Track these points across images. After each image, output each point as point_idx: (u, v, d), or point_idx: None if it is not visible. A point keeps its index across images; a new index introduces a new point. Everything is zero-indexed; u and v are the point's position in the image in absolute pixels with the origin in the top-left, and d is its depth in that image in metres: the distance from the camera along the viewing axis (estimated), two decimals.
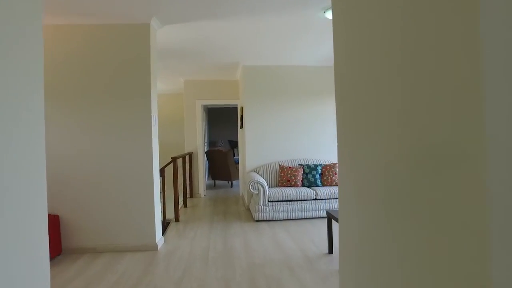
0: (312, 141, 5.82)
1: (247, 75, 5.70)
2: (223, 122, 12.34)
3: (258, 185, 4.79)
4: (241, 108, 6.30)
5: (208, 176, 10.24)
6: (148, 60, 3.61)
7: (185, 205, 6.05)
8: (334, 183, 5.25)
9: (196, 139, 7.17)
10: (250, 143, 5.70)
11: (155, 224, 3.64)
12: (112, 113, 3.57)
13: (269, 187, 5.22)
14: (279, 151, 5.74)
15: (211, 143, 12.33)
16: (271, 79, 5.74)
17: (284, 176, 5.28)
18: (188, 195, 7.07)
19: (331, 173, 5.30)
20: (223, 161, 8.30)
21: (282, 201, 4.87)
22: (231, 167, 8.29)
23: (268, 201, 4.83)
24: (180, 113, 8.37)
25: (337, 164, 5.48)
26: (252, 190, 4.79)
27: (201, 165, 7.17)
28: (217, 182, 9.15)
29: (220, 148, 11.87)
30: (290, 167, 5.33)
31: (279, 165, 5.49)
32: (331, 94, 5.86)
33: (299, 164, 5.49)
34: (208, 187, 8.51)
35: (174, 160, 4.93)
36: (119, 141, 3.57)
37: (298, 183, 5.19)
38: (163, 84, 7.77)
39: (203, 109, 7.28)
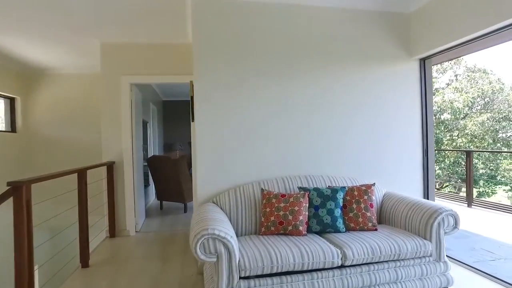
0: (322, 145, 3.20)
1: (202, 17, 2.99)
2: (182, 118, 9.44)
3: (217, 243, 2.09)
4: (192, 85, 3.57)
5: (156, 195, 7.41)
6: None
7: (85, 264, 3.23)
8: (369, 224, 2.65)
9: (120, 141, 4.36)
10: (203, 147, 2.99)
11: None
12: None
13: (241, 235, 2.55)
14: (260, 163, 3.06)
15: (167, 146, 9.47)
16: (249, 27, 3.07)
17: (272, 214, 2.61)
18: (107, 234, 4.25)
19: (361, 204, 2.69)
20: (172, 173, 5.53)
21: (271, 275, 2.20)
22: (184, 182, 5.53)
23: (240, 278, 2.15)
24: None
25: (373, 187, 2.80)
26: (202, 257, 2.07)
27: (129, 181, 4.36)
28: (166, 204, 6.34)
29: (177, 152, 9.05)
30: (283, 195, 2.68)
31: (261, 189, 2.81)
32: (364, 62, 3.28)
33: (300, 188, 2.83)
34: (153, 213, 5.69)
35: (16, 188, 2.10)
36: None
37: (300, 227, 2.54)
38: (64, 55, 4.86)
39: (132, 90, 4.48)
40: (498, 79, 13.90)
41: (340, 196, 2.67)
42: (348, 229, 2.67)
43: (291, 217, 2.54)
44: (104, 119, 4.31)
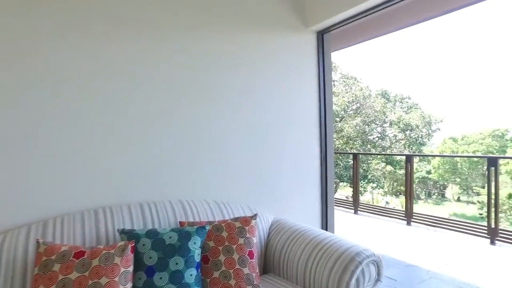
0: (169, 149, 1.94)
1: None
2: None
3: None
4: None
5: None
6: None
7: None
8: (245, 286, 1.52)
9: None
10: None
11: None
12: None
13: None
14: (51, 184, 1.63)
15: None
16: None
17: None
18: None
19: (234, 255, 1.55)
20: None
21: None
22: None
23: None
24: None
25: (253, 222, 1.68)
26: None
27: None
28: None
29: None
30: (78, 252, 1.32)
31: (39, 242, 1.38)
32: (242, 26, 2.16)
33: (121, 232, 1.51)
34: None
35: None
36: None
37: None
38: None
39: None
40: (367, 86, 15.21)
41: (195, 244, 1.46)
42: None
43: None
44: None
